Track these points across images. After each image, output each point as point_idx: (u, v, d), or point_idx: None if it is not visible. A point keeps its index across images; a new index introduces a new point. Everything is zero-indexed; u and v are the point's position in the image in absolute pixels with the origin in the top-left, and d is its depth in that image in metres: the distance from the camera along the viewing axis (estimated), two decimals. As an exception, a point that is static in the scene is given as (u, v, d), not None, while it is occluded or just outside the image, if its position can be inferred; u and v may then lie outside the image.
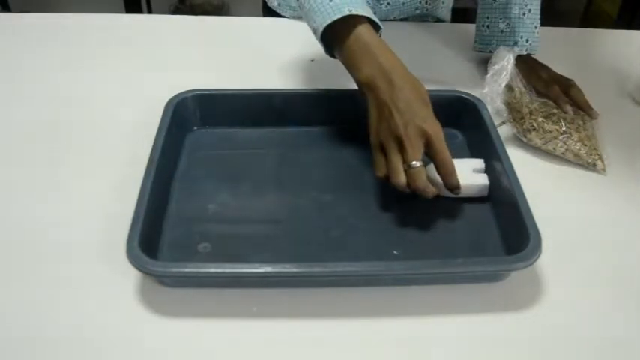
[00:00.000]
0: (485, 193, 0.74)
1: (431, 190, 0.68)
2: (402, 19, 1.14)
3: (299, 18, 1.12)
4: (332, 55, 0.77)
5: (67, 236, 0.70)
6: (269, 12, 1.16)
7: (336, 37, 0.73)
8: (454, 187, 0.69)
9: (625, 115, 0.93)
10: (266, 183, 0.77)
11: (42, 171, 0.78)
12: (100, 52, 1.03)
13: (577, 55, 1.07)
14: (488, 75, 0.87)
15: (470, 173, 0.74)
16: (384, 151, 0.69)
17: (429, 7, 1.11)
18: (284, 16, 1.14)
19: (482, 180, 0.74)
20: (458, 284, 0.66)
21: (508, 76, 0.85)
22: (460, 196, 0.72)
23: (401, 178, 0.68)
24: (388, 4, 1.08)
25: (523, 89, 0.87)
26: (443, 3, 1.12)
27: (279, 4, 1.13)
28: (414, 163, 0.67)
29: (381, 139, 0.69)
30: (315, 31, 0.75)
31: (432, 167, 0.75)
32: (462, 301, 0.64)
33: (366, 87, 0.71)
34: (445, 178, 0.69)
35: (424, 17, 1.15)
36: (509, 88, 0.87)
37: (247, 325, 0.62)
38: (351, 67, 0.73)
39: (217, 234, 0.70)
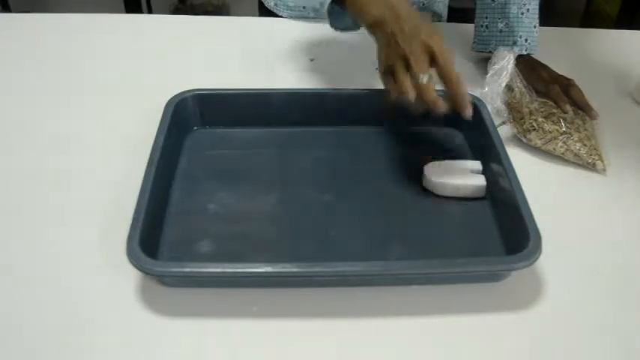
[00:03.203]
0: (482, 193, 0.74)
1: (441, 104, 0.69)
2: None
3: (296, 18, 1.12)
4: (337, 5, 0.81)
5: (67, 236, 0.70)
6: (265, 12, 1.16)
7: None
8: (463, 95, 0.70)
9: (625, 115, 0.93)
10: (266, 183, 0.77)
11: (41, 171, 0.78)
12: (100, 52, 1.03)
13: (577, 55, 1.07)
14: (488, 75, 0.87)
15: (467, 174, 0.75)
16: (393, 77, 0.72)
17: (425, 1, 1.11)
18: (281, 16, 1.14)
19: (479, 181, 0.74)
20: (458, 284, 0.66)
21: (508, 76, 0.85)
22: (457, 196, 0.74)
23: (411, 94, 0.70)
24: None
25: (523, 89, 0.87)
26: None
27: (275, 4, 1.13)
28: (421, 76, 0.69)
29: (390, 65, 0.72)
30: None
31: (430, 167, 0.75)
32: (462, 301, 0.64)
33: (374, 26, 0.75)
34: (452, 89, 0.70)
35: (420, 12, 1.14)
36: (509, 88, 0.87)
37: (247, 325, 0.62)
38: (359, 12, 0.77)
39: (217, 234, 0.70)
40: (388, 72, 0.73)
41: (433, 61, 0.70)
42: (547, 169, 0.82)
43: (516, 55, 0.87)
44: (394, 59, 0.71)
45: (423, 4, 1.11)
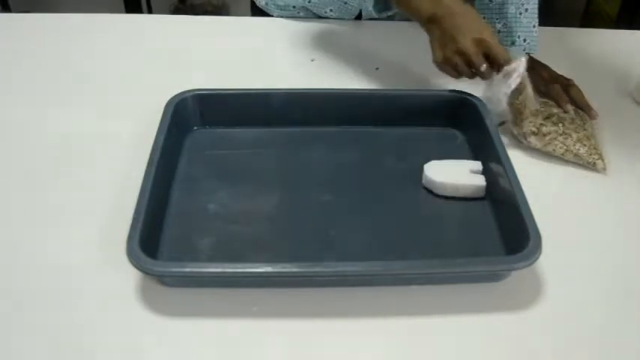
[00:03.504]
0: (481, 194, 0.74)
1: (490, 70, 0.80)
2: (388, 18, 1.14)
3: (286, 17, 1.12)
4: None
5: (67, 236, 0.70)
6: (258, 12, 1.16)
7: None
8: (505, 59, 0.80)
9: (625, 115, 0.93)
10: (266, 183, 0.77)
11: (41, 171, 0.78)
12: (100, 52, 1.03)
13: (577, 55, 1.06)
14: (497, 77, 0.86)
15: (467, 174, 0.75)
16: (452, 67, 0.81)
17: None
18: (272, 16, 1.14)
19: (479, 181, 0.74)
20: (458, 284, 0.66)
21: (519, 79, 0.84)
22: (457, 195, 0.74)
23: (471, 78, 0.82)
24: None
25: (531, 94, 0.86)
26: None
27: (266, 4, 1.13)
28: (480, 69, 0.79)
29: (448, 58, 0.80)
30: None
31: (430, 167, 0.75)
32: (462, 301, 0.64)
33: (430, 22, 0.82)
34: (500, 61, 0.80)
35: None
36: (516, 90, 0.86)
37: (247, 325, 0.62)
38: (413, 9, 0.84)
39: (217, 234, 0.70)
40: (447, 65, 0.81)
41: (485, 50, 0.79)
42: (547, 169, 0.82)
43: (528, 59, 0.86)
44: (451, 54, 0.79)
45: None
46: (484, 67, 0.79)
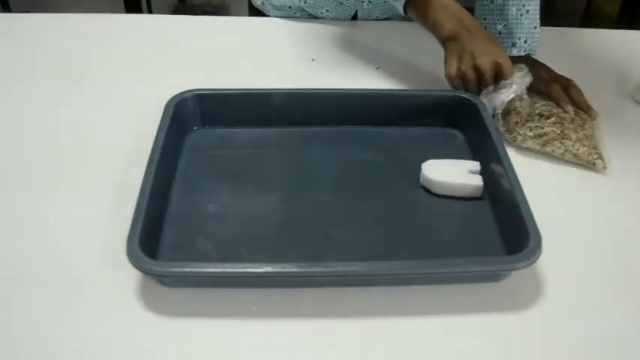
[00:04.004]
0: (478, 194, 0.74)
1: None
2: (385, 19, 1.14)
3: (282, 17, 1.12)
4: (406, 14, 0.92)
5: (67, 236, 0.70)
6: (255, 12, 1.16)
7: (418, 4, 0.88)
8: (510, 70, 0.84)
9: (625, 115, 0.93)
10: (266, 183, 0.77)
11: (41, 171, 0.78)
12: (100, 52, 1.03)
13: (577, 55, 1.07)
14: (497, 85, 0.85)
15: (465, 174, 0.75)
16: (464, 81, 0.86)
17: None
18: (268, 16, 1.14)
19: (477, 181, 0.74)
20: (458, 284, 0.66)
21: (513, 93, 0.84)
22: (454, 195, 0.74)
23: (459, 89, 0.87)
24: (370, 2, 1.08)
25: (528, 101, 0.86)
26: None
27: (262, 3, 1.14)
28: (489, 87, 0.85)
29: (463, 72, 0.85)
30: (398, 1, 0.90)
31: (427, 166, 0.75)
32: (462, 301, 0.64)
33: (449, 38, 0.86)
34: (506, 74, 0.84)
35: (406, 16, 1.15)
36: (516, 97, 0.85)
37: (247, 325, 0.62)
38: (433, 24, 0.88)
39: (217, 234, 0.70)
40: (459, 79, 0.85)
41: (498, 72, 0.84)
42: (547, 168, 0.82)
43: (529, 77, 0.86)
44: (467, 69, 0.84)
45: None
46: (491, 88, 0.84)
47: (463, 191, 0.74)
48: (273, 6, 1.12)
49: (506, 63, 0.84)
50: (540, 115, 0.85)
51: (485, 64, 0.83)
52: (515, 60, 0.87)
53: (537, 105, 0.88)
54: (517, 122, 0.84)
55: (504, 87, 0.83)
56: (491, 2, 0.95)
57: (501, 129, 0.84)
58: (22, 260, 0.67)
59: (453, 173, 0.75)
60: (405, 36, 1.05)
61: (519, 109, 0.85)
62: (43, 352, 0.59)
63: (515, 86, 0.84)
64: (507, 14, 0.94)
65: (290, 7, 1.11)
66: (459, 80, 0.86)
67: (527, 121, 0.84)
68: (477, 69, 0.84)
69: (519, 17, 0.94)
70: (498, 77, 0.85)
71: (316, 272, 0.63)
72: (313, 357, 0.60)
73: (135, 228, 0.62)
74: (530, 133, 0.82)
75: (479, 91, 0.85)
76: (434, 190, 0.75)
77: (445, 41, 0.87)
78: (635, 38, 1.13)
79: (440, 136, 0.85)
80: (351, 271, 0.63)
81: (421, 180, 0.76)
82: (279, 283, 0.65)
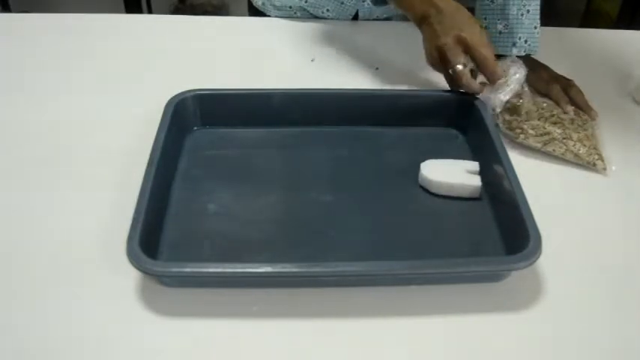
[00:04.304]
0: (476, 194, 0.74)
1: (476, 86, 0.81)
2: (385, 19, 1.14)
3: (283, 17, 1.12)
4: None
5: (67, 236, 0.70)
6: (255, 12, 1.16)
7: None
8: (497, 77, 0.80)
9: (625, 115, 0.93)
10: (266, 183, 0.77)
11: (42, 171, 0.78)
12: (100, 52, 1.03)
13: (577, 55, 1.07)
14: (490, 86, 0.85)
15: (463, 174, 0.75)
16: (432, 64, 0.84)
17: None
18: (269, 16, 1.14)
19: (475, 182, 0.74)
20: (458, 284, 0.66)
21: (512, 92, 0.84)
22: (452, 195, 0.74)
23: (449, 84, 0.84)
24: (370, 1, 1.08)
25: (529, 98, 0.86)
26: None
27: (262, 4, 1.13)
28: (456, 67, 0.79)
29: (429, 55, 0.82)
30: None
31: (426, 165, 0.75)
32: (462, 301, 0.64)
33: (420, 20, 0.83)
34: (487, 74, 0.81)
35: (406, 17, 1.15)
36: (516, 95, 0.85)
37: (247, 325, 0.62)
38: (406, 8, 0.86)
39: (217, 234, 0.70)
40: (429, 61, 0.83)
41: (466, 48, 0.79)
42: (547, 169, 0.82)
43: (526, 71, 0.85)
44: (432, 51, 0.81)
45: None
46: (459, 67, 0.79)
47: (461, 191, 0.74)
48: (274, 6, 1.12)
49: (471, 35, 0.79)
50: (541, 116, 0.84)
51: (448, 43, 0.79)
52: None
53: (538, 100, 0.88)
54: (518, 119, 0.83)
55: (502, 86, 0.83)
56: (492, 2, 0.95)
57: (502, 126, 0.83)
58: (22, 260, 0.67)
59: (451, 173, 0.75)
60: (405, 36, 1.05)
61: (520, 104, 0.85)
62: (43, 352, 0.59)
63: (513, 84, 0.83)
64: (508, 14, 0.94)
65: (290, 7, 1.11)
66: (437, 67, 0.83)
67: (528, 119, 0.83)
68: (440, 50, 0.80)
69: (520, 17, 0.94)
70: (469, 53, 0.80)
71: (316, 272, 0.63)
72: (313, 357, 0.60)
73: (135, 228, 0.62)
74: (532, 132, 0.82)
75: (449, 75, 0.82)
76: (432, 190, 0.75)
77: (419, 25, 0.84)
78: (635, 38, 1.13)
79: (440, 136, 0.85)
80: (351, 271, 0.63)
81: (419, 180, 0.76)
82: (279, 283, 0.65)
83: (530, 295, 0.65)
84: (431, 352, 0.60)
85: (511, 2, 0.94)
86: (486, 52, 0.80)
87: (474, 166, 0.76)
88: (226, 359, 0.59)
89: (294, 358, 0.60)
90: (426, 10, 0.82)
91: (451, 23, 0.80)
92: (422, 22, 0.83)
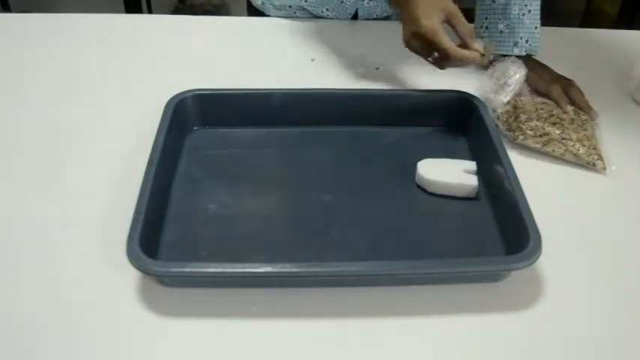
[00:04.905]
0: (473, 194, 0.75)
1: (470, 54, 0.81)
2: (384, 18, 1.14)
3: (283, 17, 1.12)
4: None
5: (67, 236, 0.70)
6: (254, 12, 1.16)
7: None
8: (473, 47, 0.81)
9: (625, 115, 0.93)
10: (266, 183, 0.77)
11: (42, 171, 0.78)
12: (100, 52, 1.03)
13: (577, 55, 1.07)
14: (494, 84, 0.86)
15: (461, 173, 0.75)
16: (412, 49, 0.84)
17: None
18: (268, 16, 1.14)
19: (471, 181, 0.74)
20: (458, 284, 0.66)
21: (512, 93, 0.84)
22: (448, 194, 0.74)
23: (438, 68, 0.85)
24: (370, 0, 1.08)
25: (529, 99, 0.86)
26: None
27: (262, 3, 1.13)
28: (435, 54, 0.82)
29: (406, 40, 0.83)
30: None
31: (423, 164, 0.75)
32: (462, 301, 0.64)
33: (395, 4, 0.85)
34: (467, 37, 0.81)
35: None
36: (515, 95, 0.86)
37: (247, 325, 0.62)
38: None
39: (217, 234, 0.70)
40: (412, 47, 0.84)
41: (449, 23, 0.81)
42: (547, 169, 0.82)
43: (525, 71, 0.86)
44: (410, 37, 0.82)
45: None
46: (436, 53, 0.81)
47: (458, 191, 0.74)
48: (274, 5, 1.12)
49: (448, 11, 0.80)
50: (540, 116, 0.84)
51: (427, 26, 0.79)
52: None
53: (537, 101, 0.88)
54: (518, 120, 0.84)
55: (502, 87, 0.83)
56: (493, 1, 0.95)
57: (502, 127, 0.84)
58: (22, 260, 0.67)
59: (448, 173, 0.75)
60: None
61: (520, 104, 0.85)
62: (43, 352, 0.59)
63: (513, 85, 0.83)
64: (509, 14, 0.94)
65: (290, 7, 1.11)
66: (413, 49, 0.84)
67: (527, 120, 0.83)
68: (418, 35, 0.81)
69: (521, 17, 0.94)
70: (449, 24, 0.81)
71: (316, 272, 0.63)
72: (313, 357, 0.60)
73: (135, 228, 0.62)
74: (531, 132, 0.82)
75: (431, 60, 0.84)
76: (428, 189, 0.75)
77: (393, 7, 0.87)
78: (635, 38, 1.13)
79: (440, 136, 0.85)
80: (351, 271, 0.63)
81: (416, 179, 0.76)
82: (279, 283, 0.65)
83: (530, 295, 0.65)
84: (431, 352, 0.60)
85: (512, 2, 0.94)
86: (468, 28, 0.82)
87: (472, 165, 0.76)
88: (226, 359, 0.59)
89: (294, 358, 0.60)
90: None
91: (425, 8, 0.80)
92: (396, 5, 0.84)
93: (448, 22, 0.81)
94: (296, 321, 0.62)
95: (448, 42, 0.79)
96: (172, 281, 0.64)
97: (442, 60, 0.82)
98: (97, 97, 0.92)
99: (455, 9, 0.81)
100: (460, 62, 0.82)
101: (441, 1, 0.81)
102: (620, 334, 0.62)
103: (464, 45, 0.81)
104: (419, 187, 0.76)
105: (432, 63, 0.84)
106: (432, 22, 0.79)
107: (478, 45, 0.81)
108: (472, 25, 0.83)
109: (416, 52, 0.84)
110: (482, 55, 0.81)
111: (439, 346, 0.61)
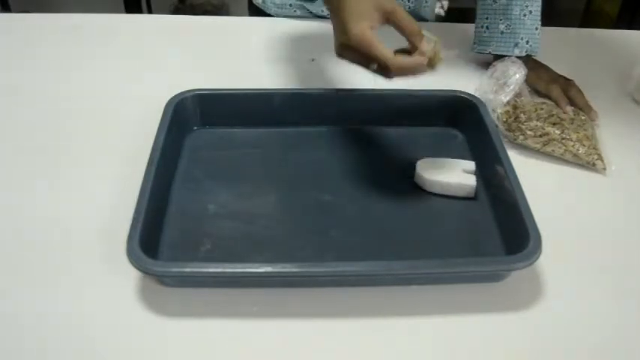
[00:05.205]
0: (471, 194, 0.74)
1: (418, 63, 0.68)
2: None
3: (283, 15, 1.12)
4: None
5: (67, 236, 0.70)
6: (255, 11, 1.16)
7: None
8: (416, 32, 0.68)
9: (625, 115, 0.93)
10: (266, 183, 0.77)
11: (42, 171, 0.78)
12: (100, 52, 1.03)
13: (577, 55, 1.07)
14: (494, 84, 0.86)
15: (459, 173, 0.75)
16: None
17: (412, 5, 1.11)
18: (269, 13, 1.14)
19: (470, 181, 0.74)
20: (458, 284, 0.66)
21: (512, 93, 0.84)
22: (446, 194, 0.74)
23: (385, 78, 0.71)
24: None
25: (528, 99, 0.86)
26: (426, 2, 1.12)
27: (263, 1, 1.13)
28: (370, 66, 0.69)
29: (339, 54, 0.71)
30: None
31: (422, 163, 0.75)
32: (462, 301, 0.64)
33: (328, 10, 0.73)
34: (415, 40, 0.69)
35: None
36: (515, 95, 0.86)
37: (247, 325, 0.62)
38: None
39: (217, 234, 0.70)
40: (341, 57, 0.72)
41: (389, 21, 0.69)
42: (547, 168, 0.82)
43: (525, 71, 0.85)
44: (340, 49, 0.71)
45: (409, 8, 1.11)
46: (374, 66, 0.69)
47: (456, 191, 0.74)
48: (274, 4, 1.12)
49: (394, 11, 0.67)
50: (540, 116, 0.84)
51: (354, 35, 0.67)
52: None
53: (537, 101, 0.88)
54: (518, 120, 0.84)
55: (502, 87, 0.83)
56: (494, 2, 0.95)
57: (501, 127, 0.84)
58: (22, 260, 0.67)
59: (446, 172, 0.75)
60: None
61: (520, 104, 0.85)
62: (43, 352, 0.59)
63: (512, 85, 0.84)
64: (510, 14, 0.94)
65: (291, 5, 1.11)
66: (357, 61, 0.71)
67: (527, 120, 0.84)
68: (348, 47, 0.69)
69: (522, 17, 0.94)
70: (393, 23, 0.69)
71: (316, 272, 0.63)
72: (313, 357, 0.60)
73: (135, 228, 0.62)
74: (531, 132, 0.82)
75: (373, 70, 0.70)
76: (427, 188, 0.75)
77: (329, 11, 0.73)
78: (635, 38, 1.13)
79: (440, 136, 0.85)
80: (351, 271, 0.63)
81: (415, 178, 0.76)
82: (279, 283, 0.65)
83: (530, 295, 0.65)
84: (431, 352, 0.60)
85: (514, 3, 0.94)
86: (412, 26, 0.69)
87: (471, 165, 0.76)
88: (226, 359, 0.59)
89: (294, 358, 0.60)
90: None
91: (351, 12, 0.67)
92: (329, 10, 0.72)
93: (388, 21, 0.68)
94: (296, 321, 0.62)
95: (383, 51, 0.67)
96: (172, 281, 0.64)
97: (383, 70, 0.70)
98: (97, 96, 0.92)
99: (392, 4, 0.68)
100: (405, 72, 0.69)
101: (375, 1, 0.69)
102: (620, 334, 0.62)
103: (411, 45, 0.69)
104: (419, 187, 0.76)
105: (375, 73, 0.71)
106: (360, 28, 0.67)
107: (427, 45, 0.68)
108: (414, 20, 0.69)
109: (352, 62, 0.72)
110: (430, 60, 0.69)
111: (439, 346, 0.61)
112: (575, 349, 0.61)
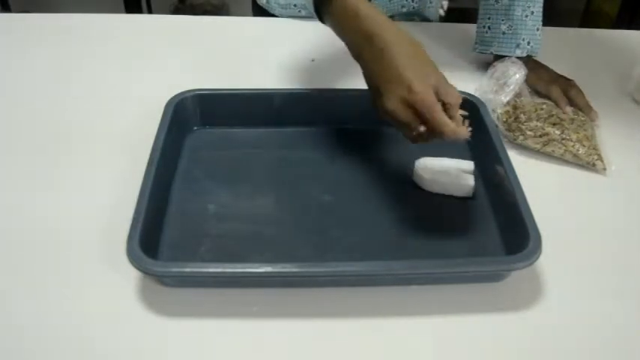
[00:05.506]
0: (469, 193, 0.74)
1: (464, 131, 0.64)
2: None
3: (288, 16, 1.12)
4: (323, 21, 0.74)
5: (67, 236, 0.70)
6: (259, 11, 1.16)
7: (322, 2, 0.70)
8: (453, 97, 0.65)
9: (625, 115, 0.93)
10: (266, 183, 0.77)
11: (42, 171, 0.78)
12: (100, 52, 1.03)
13: (577, 55, 1.07)
14: (494, 84, 0.86)
15: (458, 173, 0.75)
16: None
17: (416, 5, 1.11)
18: (273, 14, 1.14)
19: (468, 181, 0.74)
20: (458, 284, 0.66)
21: (518, 89, 0.84)
22: (444, 193, 0.74)
23: (410, 141, 0.66)
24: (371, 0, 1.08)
25: (528, 99, 0.86)
26: (430, 2, 1.12)
27: (267, 2, 1.14)
28: (417, 129, 0.64)
29: (392, 112, 0.65)
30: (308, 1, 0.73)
31: (420, 163, 0.75)
32: (462, 301, 0.64)
33: (353, 55, 0.69)
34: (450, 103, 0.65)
35: (410, 16, 1.15)
36: (515, 95, 0.86)
37: (247, 325, 0.62)
38: (337, 33, 0.70)
39: (217, 234, 0.70)
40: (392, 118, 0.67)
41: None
42: (547, 169, 0.82)
43: (525, 71, 0.85)
44: (400, 105, 0.65)
45: (414, 8, 1.11)
46: (421, 128, 0.64)
47: (454, 190, 0.74)
48: (279, 4, 1.12)
49: (420, 99, 0.63)
50: (540, 117, 0.85)
51: (400, 113, 0.64)
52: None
53: (537, 101, 0.88)
54: (517, 121, 0.84)
55: (502, 87, 0.83)
56: (497, 2, 0.95)
57: (501, 127, 0.84)
58: (22, 260, 0.67)
59: (445, 172, 0.75)
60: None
61: (520, 105, 0.85)
62: (43, 352, 0.59)
63: (512, 85, 0.84)
64: (512, 15, 0.94)
65: (295, 5, 1.11)
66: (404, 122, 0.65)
67: (527, 120, 0.84)
68: (411, 106, 0.63)
69: (524, 18, 0.94)
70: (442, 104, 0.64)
71: (316, 272, 0.63)
72: (313, 357, 0.60)
73: (135, 228, 0.62)
74: (531, 132, 0.82)
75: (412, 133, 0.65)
76: (425, 187, 0.75)
77: (356, 60, 0.69)
78: (635, 38, 1.13)
79: (440, 136, 0.85)
80: (351, 271, 0.63)
81: (414, 177, 0.76)
82: (279, 283, 0.65)
83: (530, 295, 0.65)
84: (431, 352, 0.60)
85: (516, 3, 0.94)
86: (456, 96, 0.65)
87: (469, 165, 0.76)
88: (226, 359, 0.59)
89: (294, 358, 0.60)
90: (358, 44, 0.66)
91: (398, 78, 0.63)
92: (355, 57, 0.67)
93: (437, 91, 0.64)
94: (296, 321, 0.62)
95: (444, 116, 0.63)
96: (172, 281, 0.64)
97: (429, 135, 0.65)
98: (97, 96, 0.92)
99: (444, 76, 0.66)
100: (442, 139, 0.64)
101: (431, 64, 0.66)
102: (620, 334, 0.62)
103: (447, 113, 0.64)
104: (418, 186, 0.76)
105: (410, 137, 0.66)
106: (426, 87, 0.63)
107: (460, 115, 0.66)
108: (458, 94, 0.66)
109: (398, 123, 0.66)
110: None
111: (439, 346, 0.61)
112: (575, 349, 0.61)
